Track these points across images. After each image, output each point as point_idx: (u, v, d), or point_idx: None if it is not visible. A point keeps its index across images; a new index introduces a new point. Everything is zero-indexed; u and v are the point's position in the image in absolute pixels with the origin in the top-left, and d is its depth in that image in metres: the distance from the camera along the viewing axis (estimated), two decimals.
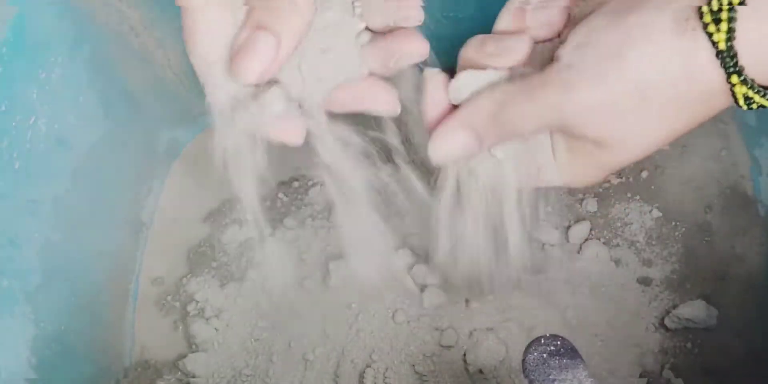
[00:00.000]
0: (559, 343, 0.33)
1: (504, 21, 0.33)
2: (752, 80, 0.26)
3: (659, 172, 0.53)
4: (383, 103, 0.33)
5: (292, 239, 0.53)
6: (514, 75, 0.31)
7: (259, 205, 0.35)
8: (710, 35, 0.26)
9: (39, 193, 0.43)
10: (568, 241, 0.50)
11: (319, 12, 0.30)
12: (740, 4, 0.25)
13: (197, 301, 0.53)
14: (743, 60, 0.26)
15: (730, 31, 0.25)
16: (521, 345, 0.43)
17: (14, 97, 0.40)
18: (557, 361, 0.32)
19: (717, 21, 0.25)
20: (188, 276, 0.54)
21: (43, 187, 0.44)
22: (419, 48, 0.32)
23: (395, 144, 0.51)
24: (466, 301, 0.48)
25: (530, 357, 0.33)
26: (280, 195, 0.57)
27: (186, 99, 0.58)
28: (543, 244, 0.50)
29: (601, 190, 0.52)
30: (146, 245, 0.56)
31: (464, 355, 0.46)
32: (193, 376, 0.50)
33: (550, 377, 0.32)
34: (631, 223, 0.51)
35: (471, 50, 0.32)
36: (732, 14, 0.25)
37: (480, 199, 0.36)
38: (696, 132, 0.54)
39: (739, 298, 0.48)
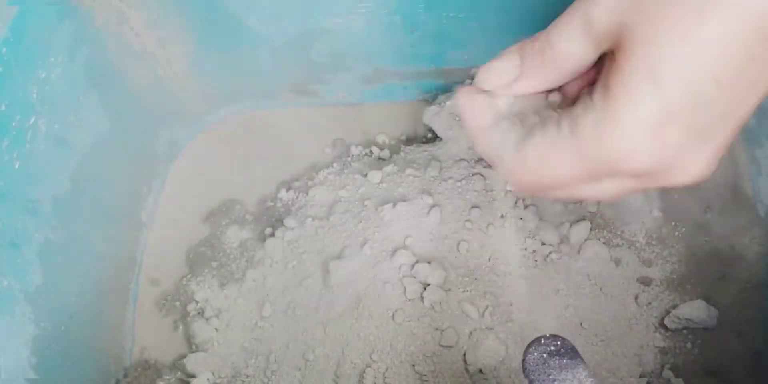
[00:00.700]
0: (559, 343, 0.33)
1: None
2: None
3: None
4: None
5: (292, 239, 0.53)
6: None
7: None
8: None
9: (39, 193, 0.43)
10: (568, 241, 0.50)
11: None
12: None
13: (197, 301, 0.53)
14: None
15: None
16: (521, 345, 0.44)
17: (14, 97, 0.40)
18: (557, 361, 0.32)
19: None
20: (188, 276, 0.54)
21: (43, 187, 0.44)
22: None
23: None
24: (467, 301, 0.48)
25: (530, 357, 0.33)
26: (280, 195, 0.57)
27: (186, 99, 0.58)
28: (543, 244, 0.50)
29: None
30: (146, 245, 0.56)
31: (464, 355, 0.46)
32: (193, 376, 0.50)
33: (550, 377, 0.32)
34: (631, 223, 0.51)
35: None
36: None
37: None
38: None
39: (739, 298, 0.48)
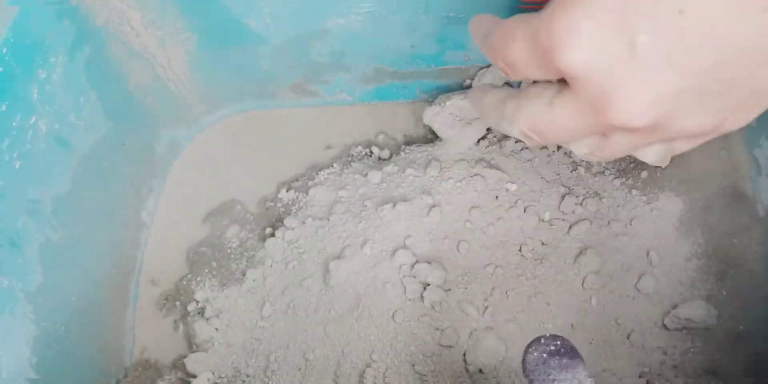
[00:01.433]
0: (559, 342, 0.33)
1: None
2: None
3: (659, 172, 0.53)
4: None
5: (292, 239, 0.53)
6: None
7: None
8: None
9: (39, 193, 0.43)
10: (568, 241, 0.50)
11: None
12: None
13: (197, 301, 0.53)
14: None
15: None
16: (521, 345, 0.44)
17: (15, 97, 0.40)
18: (557, 361, 0.32)
19: None
20: (188, 276, 0.54)
21: (43, 187, 0.44)
22: None
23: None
24: (467, 301, 0.48)
25: (530, 357, 0.33)
26: (281, 195, 0.57)
27: (186, 99, 0.58)
28: (543, 244, 0.50)
29: (601, 190, 0.52)
30: (146, 245, 0.56)
31: (464, 354, 0.47)
32: (194, 376, 0.50)
33: (550, 377, 0.32)
34: (631, 223, 0.51)
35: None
36: None
37: None
38: None
39: (739, 298, 0.48)
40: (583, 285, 0.49)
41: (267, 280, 0.52)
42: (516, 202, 0.52)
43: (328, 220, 0.53)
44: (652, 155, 0.30)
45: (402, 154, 0.56)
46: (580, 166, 0.53)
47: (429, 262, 0.49)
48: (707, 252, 0.50)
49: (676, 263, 0.50)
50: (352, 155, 0.58)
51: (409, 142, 0.58)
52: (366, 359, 0.47)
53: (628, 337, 0.48)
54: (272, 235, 0.54)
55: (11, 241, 0.41)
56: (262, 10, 0.49)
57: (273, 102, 0.60)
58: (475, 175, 0.52)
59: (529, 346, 0.33)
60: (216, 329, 0.51)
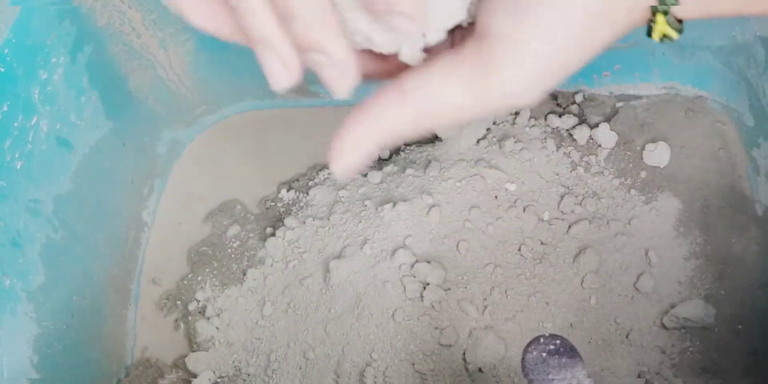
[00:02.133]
0: (558, 342, 0.33)
1: None
2: (674, 19, 0.25)
3: (658, 172, 0.53)
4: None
5: (292, 239, 0.53)
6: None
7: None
8: None
9: (41, 193, 0.44)
10: (567, 241, 0.51)
11: None
12: None
13: (198, 301, 0.53)
14: None
15: None
16: (521, 344, 0.44)
17: (16, 97, 0.41)
18: (556, 361, 0.32)
19: None
20: (189, 276, 0.54)
21: (44, 187, 0.44)
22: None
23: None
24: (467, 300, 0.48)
25: (530, 356, 0.33)
26: (281, 195, 0.57)
27: (187, 99, 0.58)
28: (542, 244, 0.50)
29: (600, 190, 0.53)
30: (147, 245, 0.56)
31: (464, 353, 0.47)
32: (195, 375, 0.50)
33: (549, 376, 0.32)
34: (630, 223, 0.51)
35: None
36: None
37: None
38: (694, 132, 0.55)
39: (737, 297, 0.49)
40: (582, 284, 0.49)
41: (267, 279, 0.52)
42: (515, 202, 0.52)
43: (329, 219, 0.53)
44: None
45: (402, 154, 0.57)
46: (579, 166, 0.54)
47: (429, 262, 0.49)
48: (706, 251, 0.50)
49: (674, 263, 0.50)
50: None
51: (408, 143, 0.58)
52: (366, 358, 0.47)
53: (626, 337, 0.48)
54: (273, 234, 0.54)
55: (13, 241, 0.41)
56: None
57: (273, 102, 0.60)
58: (475, 175, 0.52)
59: (528, 345, 0.33)
60: (217, 328, 0.51)
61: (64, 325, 0.45)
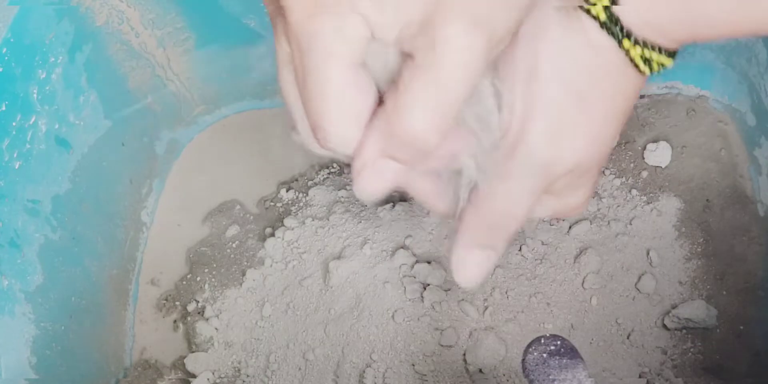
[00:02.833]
0: (559, 342, 0.33)
1: None
2: (644, 40, 0.26)
3: (659, 172, 0.53)
4: None
5: (292, 239, 0.53)
6: None
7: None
8: (588, 12, 0.26)
9: (39, 193, 0.43)
10: (567, 241, 0.50)
11: None
12: None
13: (197, 301, 0.53)
14: (627, 22, 0.25)
15: None
16: (521, 345, 0.44)
17: (14, 96, 0.40)
18: (557, 361, 0.32)
19: None
20: (188, 276, 0.54)
21: (43, 187, 0.44)
22: None
23: None
24: (466, 300, 0.48)
25: (530, 357, 0.33)
26: (280, 195, 0.57)
27: (186, 99, 0.58)
28: (543, 244, 0.50)
29: (601, 190, 0.52)
30: (146, 245, 0.56)
31: (464, 354, 0.47)
32: (194, 376, 0.50)
33: (550, 377, 0.32)
34: (631, 223, 0.51)
35: None
36: None
37: None
38: (696, 132, 0.55)
39: (738, 297, 0.48)
40: (583, 285, 0.49)
41: (267, 280, 0.52)
42: None
43: (328, 220, 0.53)
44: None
45: None
46: None
47: (429, 263, 0.49)
48: (707, 252, 0.50)
49: (676, 263, 0.50)
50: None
51: None
52: (366, 359, 0.47)
53: (628, 337, 0.48)
54: (272, 235, 0.54)
55: (11, 241, 0.41)
56: (262, 10, 0.49)
57: (273, 102, 0.60)
58: None
59: (529, 346, 0.33)
60: (216, 329, 0.51)
61: (63, 325, 0.45)
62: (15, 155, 0.41)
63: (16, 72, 0.40)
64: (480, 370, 0.46)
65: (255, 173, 0.59)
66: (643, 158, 0.53)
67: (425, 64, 0.23)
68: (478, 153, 0.27)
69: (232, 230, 0.56)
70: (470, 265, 0.29)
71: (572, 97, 0.27)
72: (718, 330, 0.47)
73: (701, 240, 0.50)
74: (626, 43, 0.26)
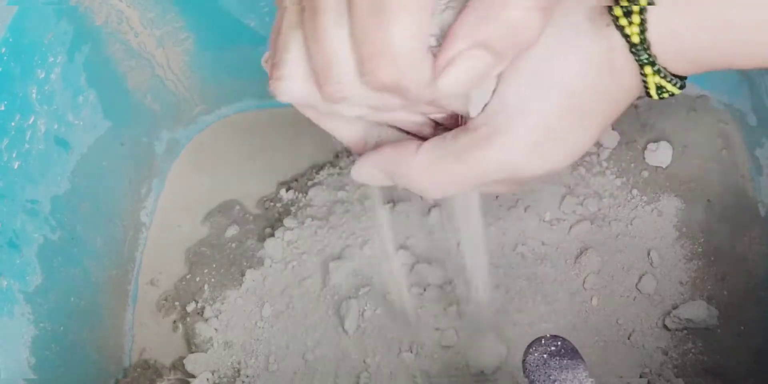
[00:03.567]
0: (559, 343, 0.33)
1: None
2: (665, 69, 0.26)
3: (660, 172, 0.53)
4: None
5: (292, 239, 0.53)
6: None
7: None
8: (622, 28, 0.25)
9: (38, 193, 0.43)
10: (568, 242, 0.50)
11: None
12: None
13: (197, 302, 0.53)
14: (655, 49, 0.25)
15: (643, 22, 0.25)
16: (522, 345, 0.43)
17: (13, 96, 0.40)
18: (558, 362, 0.32)
19: (628, 13, 0.25)
20: (188, 276, 0.54)
21: (42, 187, 0.44)
22: None
23: None
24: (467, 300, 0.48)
25: (531, 357, 0.33)
26: (280, 195, 0.57)
27: (186, 99, 0.58)
28: (543, 244, 0.50)
29: (601, 190, 0.52)
30: (146, 245, 0.56)
31: (465, 355, 0.46)
32: (193, 376, 0.50)
33: (551, 378, 0.32)
34: (631, 223, 0.51)
35: None
36: (643, 6, 0.24)
37: None
38: (697, 131, 0.54)
39: (739, 298, 0.48)
40: (583, 285, 0.49)
41: (266, 280, 0.52)
42: (516, 203, 0.51)
43: (328, 220, 0.53)
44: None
45: None
46: (580, 166, 0.53)
47: (429, 263, 0.49)
48: (708, 252, 0.50)
49: (676, 263, 0.50)
50: (352, 155, 0.58)
51: None
52: (366, 359, 0.47)
53: (628, 338, 0.47)
54: (272, 235, 0.54)
55: (10, 242, 0.41)
56: (262, 9, 0.49)
57: (272, 101, 0.59)
58: None
59: (529, 346, 0.33)
60: (215, 330, 0.51)
61: (62, 326, 0.45)
62: (14, 155, 0.41)
63: (15, 72, 0.40)
64: (481, 371, 0.46)
65: (255, 173, 0.59)
66: (644, 158, 0.53)
67: None
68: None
69: (232, 230, 0.56)
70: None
71: (571, 110, 0.26)
72: (719, 330, 0.47)
73: (702, 240, 0.50)
74: (647, 69, 0.26)
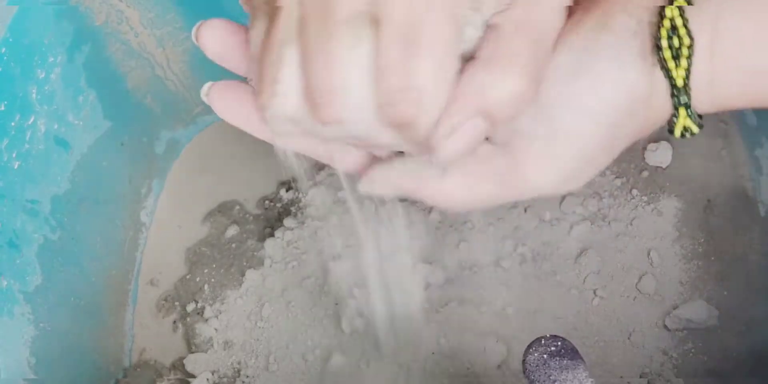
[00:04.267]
0: (559, 343, 0.33)
1: None
2: (695, 112, 0.26)
3: (659, 172, 0.53)
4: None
5: (292, 239, 0.53)
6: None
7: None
8: (669, 71, 0.25)
9: (38, 193, 0.43)
10: (568, 242, 0.50)
11: None
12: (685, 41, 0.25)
13: (197, 302, 0.53)
14: (693, 92, 0.26)
15: (689, 66, 0.25)
16: (522, 345, 0.43)
17: (13, 96, 0.40)
18: (558, 362, 0.32)
19: (677, 57, 0.25)
20: (188, 276, 0.54)
21: (42, 188, 0.44)
22: None
23: None
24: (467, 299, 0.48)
25: (531, 357, 0.33)
26: (280, 195, 0.57)
27: (185, 99, 0.58)
28: (543, 244, 0.50)
29: (601, 190, 0.52)
30: (146, 245, 0.56)
31: (465, 355, 0.46)
32: (193, 376, 0.50)
33: (551, 378, 0.32)
34: (631, 223, 0.51)
35: None
36: (692, 50, 0.25)
37: None
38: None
39: (739, 298, 0.48)
40: (583, 285, 0.49)
41: (266, 280, 0.52)
42: (516, 202, 0.51)
43: (328, 220, 0.53)
44: None
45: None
46: None
47: (429, 263, 0.49)
48: (708, 252, 0.50)
49: (677, 263, 0.50)
50: None
51: None
52: (366, 359, 0.47)
53: (628, 338, 0.47)
54: (272, 235, 0.54)
55: (10, 242, 0.41)
56: None
57: None
58: None
59: (529, 346, 0.33)
60: (215, 330, 0.51)
61: (62, 326, 0.45)
62: (14, 155, 0.41)
63: (15, 72, 0.40)
64: (481, 371, 0.46)
65: (255, 173, 0.59)
66: (644, 158, 0.53)
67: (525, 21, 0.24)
68: None
69: (232, 230, 0.56)
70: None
71: (609, 140, 0.26)
72: (719, 331, 0.47)
73: (702, 240, 0.50)
74: (682, 111, 0.26)
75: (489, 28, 0.24)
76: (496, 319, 0.47)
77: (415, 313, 0.48)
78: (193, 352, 0.51)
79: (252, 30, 0.27)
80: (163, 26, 0.50)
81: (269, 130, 0.28)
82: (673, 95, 0.26)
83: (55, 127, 0.44)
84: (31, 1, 0.41)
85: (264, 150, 0.62)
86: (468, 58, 0.24)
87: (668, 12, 0.25)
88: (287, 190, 0.57)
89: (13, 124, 0.41)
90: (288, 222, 0.54)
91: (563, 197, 0.52)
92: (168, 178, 0.59)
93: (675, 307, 0.48)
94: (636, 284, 0.49)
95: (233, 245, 0.55)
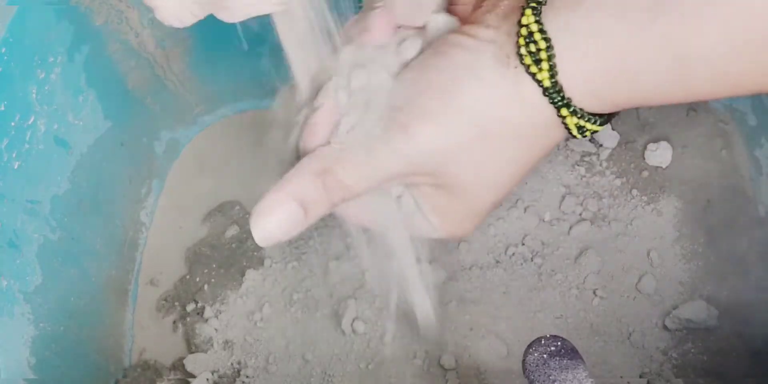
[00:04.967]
0: (559, 343, 0.33)
1: None
2: (581, 109, 0.27)
3: (659, 172, 0.53)
4: None
5: (291, 240, 0.53)
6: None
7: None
8: (533, 75, 0.26)
9: (38, 193, 0.43)
10: (568, 241, 0.50)
11: None
12: (546, 40, 0.26)
13: (197, 302, 0.53)
14: (568, 92, 0.26)
15: (552, 68, 0.26)
16: (522, 345, 0.43)
17: (13, 96, 0.40)
18: (557, 362, 0.32)
19: (537, 61, 0.26)
20: (188, 276, 0.54)
21: (42, 188, 0.44)
22: None
23: None
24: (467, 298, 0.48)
25: (530, 357, 0.33)
26: None
27: (185, 99, 0.58)
28: (543, 244, 0.50)
29: (601, 190, 0.52)
30: (146, 246, 0.56)
31: (465, 355, 0.46)
32: (193, 376, 0.50)
33: (551, 378, 0.32)
34: (631, 223, 0.51)
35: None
36: (551, 52, 0.26)
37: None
38: (696, 132, 0.54)
39: (739, 298, 0.48)
40: (583, 285, 0.49)
41: (266, 280, 0.52)
42: (516, 203, 0.51)
43: (328, 220, 0.53)
44: None
45: None
46: (580, 166, 0.53)
47: (429, 263, 0.49)
48: (708, 252, 0.50)
49: (676, 263, 0.50)
50: None
51: None
52: (366, 359, 0.47)
53: (628, 338, 0.47)
54: None
55: (9, 242, 0.41)
56: None
57: (273, 102, 0.60)
58: None
59: (529, 346, 0.33)
60: (215, 330, 0.51)
61: (62, 326, 0.45)
62: (14, 155, 0.41)
63: (15, 72, 0.40)
64: (481, 371, 0.46)
65: (255, 173, 0.58)
66: (644, 158, 0.53)
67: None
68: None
69: (232, 230, 0.56)
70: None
71: (482, 136, 0.28)
72: (718, 331, 0.47)
73: (702, 240, 0.50)
74: (564, 111, 0.27)
75: None
76: (496, 319, 0.47)
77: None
78: (193, 352, 0.51)
79: None
80: (163, 26, 0.50)
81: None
82: (544, 95, 0.27)
83: (55, 127, 0.44)
84: (31, 1, 0.41)
85: (264, 150, 0.62)
86: None
87: (524, 20, 0.26)
88: None
89: (13, 124, 0.41)
90: None
91: (563, 197, 0.52)
92: (168, 178, 0.59)
93: (675, 307, 0.48)
94: (636, 284, 0.49)
95: (233, 245, 0.55)
